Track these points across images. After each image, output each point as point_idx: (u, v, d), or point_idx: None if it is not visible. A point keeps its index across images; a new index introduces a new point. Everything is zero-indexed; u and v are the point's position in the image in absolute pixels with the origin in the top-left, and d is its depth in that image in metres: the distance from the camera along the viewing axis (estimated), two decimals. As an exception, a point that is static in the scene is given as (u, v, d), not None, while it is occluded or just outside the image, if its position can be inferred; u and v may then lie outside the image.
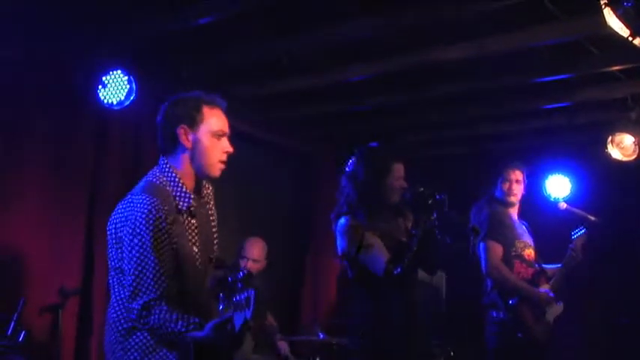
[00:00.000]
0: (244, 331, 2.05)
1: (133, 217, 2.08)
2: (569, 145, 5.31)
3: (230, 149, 2.24)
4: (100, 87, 3.91)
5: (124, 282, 2.12)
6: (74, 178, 4.06)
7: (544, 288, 3.87)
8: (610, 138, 4.46)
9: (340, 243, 3.03)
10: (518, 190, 4.00)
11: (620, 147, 4.45)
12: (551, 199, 4.64)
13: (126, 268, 2.09)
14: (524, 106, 5.03)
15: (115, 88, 3.89)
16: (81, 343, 4.01)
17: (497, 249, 3.82)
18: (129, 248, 2.07)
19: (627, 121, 4.44)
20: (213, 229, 2.31)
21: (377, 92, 4.85)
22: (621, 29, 3.08)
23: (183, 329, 2.03)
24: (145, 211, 2.07)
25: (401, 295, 2.96)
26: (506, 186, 3.98)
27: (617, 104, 4.61)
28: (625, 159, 4.46)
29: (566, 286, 3.95)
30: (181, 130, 2.18)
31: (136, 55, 3.97)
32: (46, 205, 3.90)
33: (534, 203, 4.41)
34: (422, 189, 2.86)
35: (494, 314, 3.81)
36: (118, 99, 3.88)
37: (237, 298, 2.05)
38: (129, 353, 2.11)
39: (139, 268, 2.05)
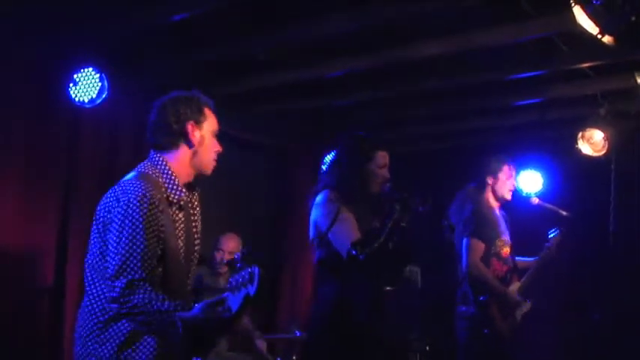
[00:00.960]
0: (244, 309, 1.97)
1: (127, 198, 2.08)
2: (541, 140, 5.39)
3: (220, 149, 2.32)
4: (71, 85, 3.85)
5: (105, 273, 2.06)
6: (47, 177, 4.00)
7: (514, 286, 3.93)
8: (580, 134, 4.55)
9: (315, 216, 2.86)
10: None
11: (590, 142, 4.54)
12: (524, 195, 4.69)
13: (112, 248, 2.06)
14: (497, 102, 5.09)
15: (87, 86, 3.84)
16: (53, 342, 3.95)
17: (480, 247, 3.84)
18: (119, 229, 2.06)
19: (597, 117, 4.52)
20: (194, 228, 2.29)
21: (354, 88, 4.85)
22: (591, 27, 3.13)
23: (171, 308, 2.00)
24: (139, 194, 2.08)
25: (367, 283, 2.82)
26: (512, 184, 3.96)
27: (587, 101, 4.70)
28: (595, 154, 4.56)
29: (539, 283, 4.00)
30: (190, 127, 2.23)
31: (109, 52, 3.91)
32: (18, 204, 3.84)
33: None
34: (403, 188, 2.78)
35: (464, 308, 3.83)
36: (90, 97, 3.83)
37: (235, 278, 1.99)
38: (104, 346, 2.06)
39: (128, 249, 2.03)
